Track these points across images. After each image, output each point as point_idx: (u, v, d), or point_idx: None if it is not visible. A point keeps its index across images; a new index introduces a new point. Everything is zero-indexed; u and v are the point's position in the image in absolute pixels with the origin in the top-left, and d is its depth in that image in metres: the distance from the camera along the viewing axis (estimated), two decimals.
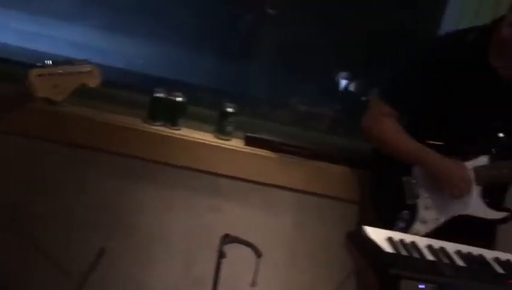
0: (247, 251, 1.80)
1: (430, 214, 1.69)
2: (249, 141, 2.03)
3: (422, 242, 1.37)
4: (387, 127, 1.72)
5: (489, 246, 1.75)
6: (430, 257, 1.30)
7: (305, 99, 2.40)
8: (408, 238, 1.37)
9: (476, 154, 1.65)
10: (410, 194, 1.71)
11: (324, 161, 2.07)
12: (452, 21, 2.16)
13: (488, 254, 1.37)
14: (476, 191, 1.65)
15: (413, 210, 1.70)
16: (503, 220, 1.66)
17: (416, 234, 1.65)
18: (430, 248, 1.35)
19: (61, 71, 1.35)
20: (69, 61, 1.39)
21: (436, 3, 2.23)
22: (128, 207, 2.01)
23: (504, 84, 1.65)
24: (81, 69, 1.38)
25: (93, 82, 1.40)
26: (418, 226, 1.69)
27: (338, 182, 2.06)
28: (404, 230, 1.65)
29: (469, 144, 1.65)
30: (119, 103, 2.05)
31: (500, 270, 1.31)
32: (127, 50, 2.26)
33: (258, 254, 1.73)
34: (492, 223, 1.71)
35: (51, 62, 1.35)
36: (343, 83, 2.45)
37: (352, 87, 2.44)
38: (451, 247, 1.36)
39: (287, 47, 2.34)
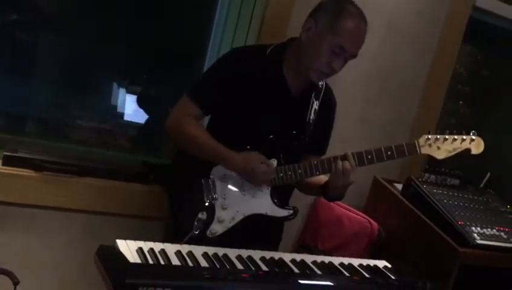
0: (5, 279, 1.68)
1: (226, 214, 1.75)
2: (7, 161, 1.90)
3: (172, 249, 1.44)
4: (191, 123, 1.77)
5: (279, 239, 1.94)
6: (177, 262, 1.39)
7: (91, 115, 2.34)
8: (158, 246, 1.43)
9: (267, 158, 1.76)
10: (208, 194, 1.76)
11: (96, 177, 2.05)
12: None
13: (232, 253, 1.51)
14: (266, 191, 1.78)
15: (210, 211, 1.75)
16: (288, 217, 1.81)
17: (214, 233, 1.72)
18: (178, 253, 1.43)
19: None
20: None
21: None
22: None
23: (292, 97, 1.82)
24: None
25: None
26: (215, 225, 1.73)
27: (110, 197, 2.05)
28: (202, 231, 1.70)
29: (262, 148, 1.76)
30: None
31: (240, 266, 1.46)
32: None
33: (15, 281, 1.62)
34: (280, 221, 1.86)
35: None
36: (128, 96, 2.45)
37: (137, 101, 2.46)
38: (198, 250, 1.47)
39: (69, 61, 2.25)
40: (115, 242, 1.41)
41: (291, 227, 2.48)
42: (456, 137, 1.74)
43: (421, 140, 1.75)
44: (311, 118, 1.84)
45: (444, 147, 1.74)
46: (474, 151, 1.76)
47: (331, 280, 1.50)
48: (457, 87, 3.04)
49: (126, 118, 2.43)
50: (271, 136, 1.78)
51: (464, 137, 1.74)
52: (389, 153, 1.74)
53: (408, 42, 2.45)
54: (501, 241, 2.03)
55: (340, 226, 2.26)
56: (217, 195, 1.77)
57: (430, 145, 1.74)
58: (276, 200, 1.79)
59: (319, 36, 1.72)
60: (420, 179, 2.22)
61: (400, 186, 2.32)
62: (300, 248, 2.37)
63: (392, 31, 2.39)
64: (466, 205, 2.17)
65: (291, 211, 1.80)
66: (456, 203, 2.15)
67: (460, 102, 3.12)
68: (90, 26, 2.22)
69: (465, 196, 2.23)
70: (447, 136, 1.74)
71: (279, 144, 1.79)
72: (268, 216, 1.78)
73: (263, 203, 1.77)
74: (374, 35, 2.37)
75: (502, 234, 2.07)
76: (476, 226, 2.04)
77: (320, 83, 1.87)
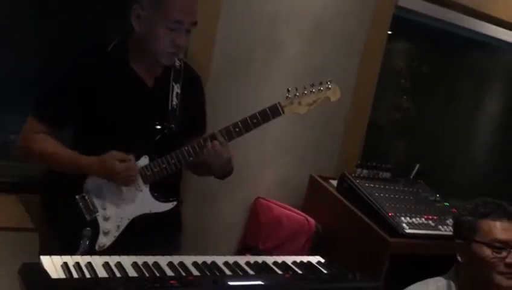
0: None
1: (110, 224, 1.72)
2: None
3: (99, 261, 1.43)
4: (38, 139, 1.71)
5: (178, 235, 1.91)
6: (104, 274, 1.38)
7: None
8: (85, 260, 1.41)
9: (137, 157, 1.73)
10: (87, 210, 1.72)
11: None
12: None
13: (162, 261, 1.51)
14: (145, 190, 1.75)
15: (94, 225, 1.71)
16: (175, 209, 1.79)
17: (103, 246, 1.69)
18: (106, 265, 1.42)
19: None
20: None
21: None
22: None
23: (148, 87, 1.78)
24: None
25: None
26: (102, 238, 1.71)
27: None
28: (90, 247, 1.66)
29: (130, 148, 1.72)
30: None
31: (170, 273, 1.46)
32: None
33: None
34: (171, 215, 1.82)
35: None
36: None
37: None
38: (127, 260, 1.46)
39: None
40: (39, 259, 1.39)
41: (235, 229, 2.51)
42: (313, 89, 1.77)
43: (282, 100, 1.76)
44: (174, 104, 1.80)
45: (305, 101, 1.77)
46: (333, 99, 1.81)
47: (262, 279, 1.52)
48: (400, 82, 3.15)
49: None
50: (137, 134, 1.73)
51: (321, 87, 1.78)
52: (254, 120, 1.74)
53: (337, 42, 2.52)
54: (429, 229, 2.12)
55: (279, 225, 2.30)
56: (96, 208, 1.73)
57: (292, 103, 1.76)
58: (157, 195, 1.76)
59: (150, 20, 1.66)
60: (353, 175, 2.28)
61: (335, 182, 2.38)
62: (242, 249, 2.40)
63: (321, 31, 2.45)
64: (397, 196, 2.25)
65: (175, 202, 1.79)
66: (387, 195, 2.22)
67: (405, 96, 3.23)
68: (23, 38, 2.17)
69: (396, 188, 2.31)
70: (305, 91, 1.77)
71: (147, 140, 1.75)
72: (153, 214, 1.76)
73: (145, 203, 1.75)
74: (303, 36, 2.43)
75: (430, 222, 2.16)
76: (405, 217, 2.12)
77: (177, 63, 1.82)
